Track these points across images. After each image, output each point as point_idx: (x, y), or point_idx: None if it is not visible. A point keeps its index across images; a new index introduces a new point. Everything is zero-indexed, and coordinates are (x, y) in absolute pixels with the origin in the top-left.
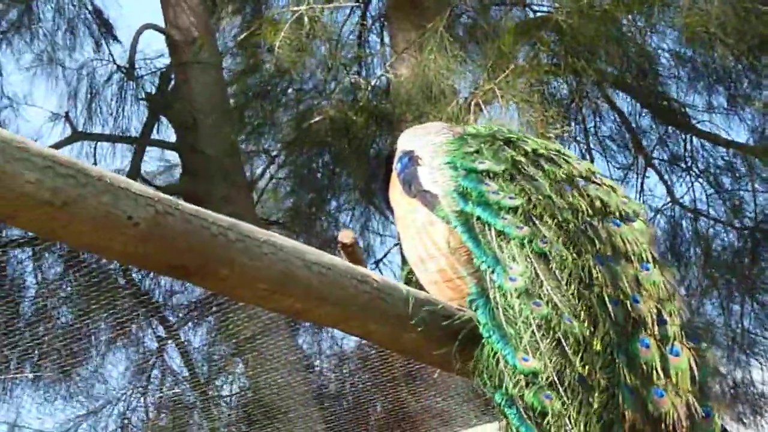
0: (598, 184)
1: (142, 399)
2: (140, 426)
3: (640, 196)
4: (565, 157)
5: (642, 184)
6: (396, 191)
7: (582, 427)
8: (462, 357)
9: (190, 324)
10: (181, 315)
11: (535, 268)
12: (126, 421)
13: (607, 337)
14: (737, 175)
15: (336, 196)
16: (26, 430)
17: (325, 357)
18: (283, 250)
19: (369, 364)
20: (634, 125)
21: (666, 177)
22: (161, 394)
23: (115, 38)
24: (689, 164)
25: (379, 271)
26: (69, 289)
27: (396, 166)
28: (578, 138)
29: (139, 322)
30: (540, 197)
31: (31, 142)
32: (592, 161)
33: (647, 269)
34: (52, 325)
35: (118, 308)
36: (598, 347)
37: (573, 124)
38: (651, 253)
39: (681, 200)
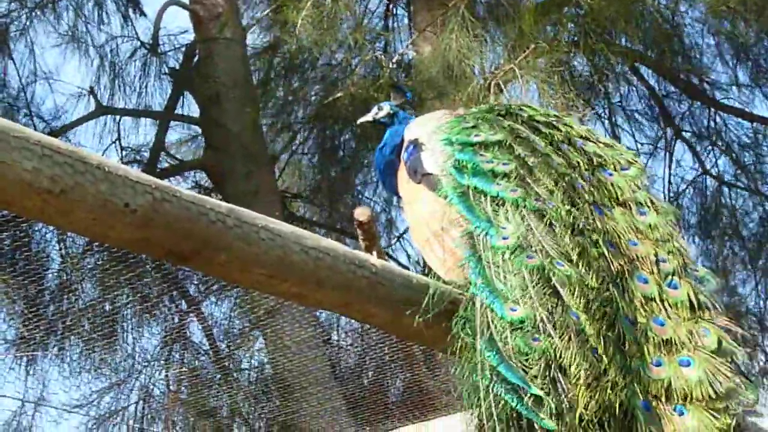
0: (595, 143)
1: (163, 372)
2: (161, 399)
3: (669, 169)
4: (564, 122)
5: (671, 156)
6: (403, 179)
7: (571, 359)
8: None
9: (212, 297)
10: (203, 288)
11: (529, 224)
12: (147, 394)
13: (602, 274)
14: (760, 150)
15: (359, 172)
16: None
17: (344, 331)
18: (281, 236)
19: (388, 337)
20: (662, 100)
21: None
22: (182, 367)
23: (143, 13)
24: (714, 139)
25: (401, 244)
26: (92, 263)
27: (403, 155)
28: (602, 115)
29: (161, 295)
30: (535, 159)
31: (29, 130)
32: (618, 139)
33: (643, 213)
34: (75, 299)
35: (140, 282)
36: (594, 284)
37: (596, 101)
38: (649, 197)
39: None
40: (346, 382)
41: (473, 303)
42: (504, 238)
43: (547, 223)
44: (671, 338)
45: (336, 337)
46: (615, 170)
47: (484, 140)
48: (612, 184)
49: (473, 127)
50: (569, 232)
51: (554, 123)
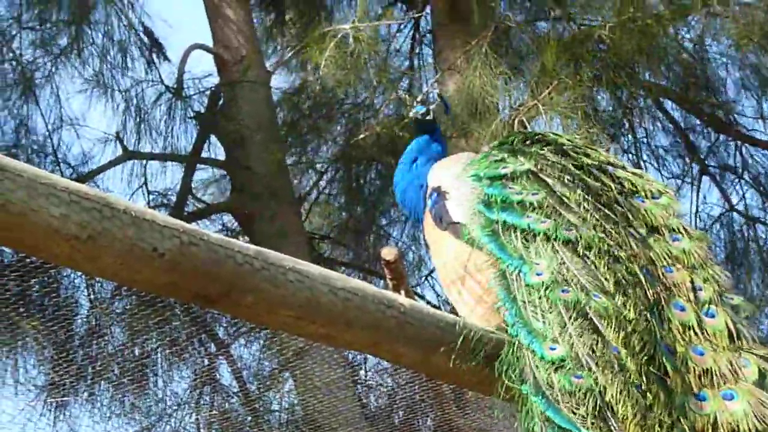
0: (624, 170)
1: (194, 415)
2: None
3: (695, 205)
4: (593, 149)
5: (698, 192)
6: (429, 225)
7: (618, 396)
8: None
9: (240, 340)
10: (232, 331)
11: (561, 258)
12: None
13: (639, 303)
14: None
15: (386, 211)
16: None
17: (374, 371)
18: (308, 277)
19: (418, 377)
20: (687, 134)
21: (722, 185)
22: (213, 410)
23: (166, 57)
24: (740, 172)
25: (429, 282)
26: (120, 307)
27: (427, 202)
28: (628, 150)
29: (190, 338)
30: (564, 185)
31: (56, 177)
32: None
33: (677, 240)
34: (105, 344)
35: (169, 326)
36: (632, 315)
37: (621, 137)
38: (681, 224)
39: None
40: (377, 422)
41: (514, 346)
42: (538, 275)
43: (581, 253)
44: (711, 368)
45: (365, 377)
46: (647, 198)
47: (513, 171)
48: (645, 210)
49: (500, 160)
50: (604, 260)
51: (582, 149)
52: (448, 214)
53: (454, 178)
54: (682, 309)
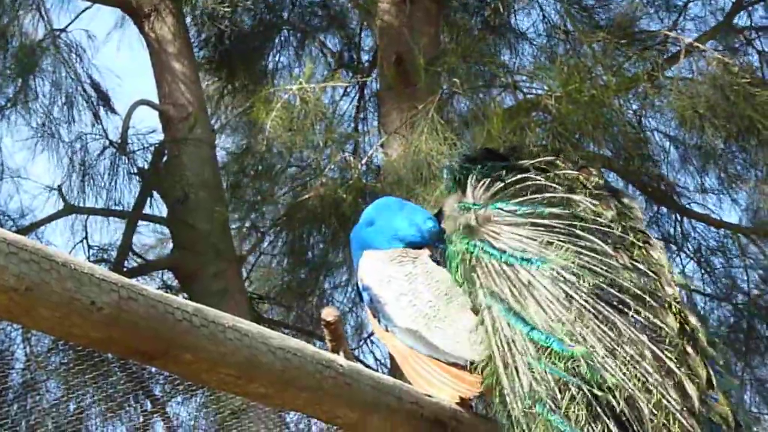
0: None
1: None
2: None
3: None
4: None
5: None
6: (369, 317)
7: None
8: None
9: (178, 397)
10: (168, 389)
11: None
12: None
13: None
14: (728, 255)
15: (329, 274)
16: None
17: None
18: (248, 336)
19: None
20: None
21: None
22: None
23: (113, 110)
24: (681, 245)
25: (368, 346)
26: (57, 362)
27: (363, 294)
28: None
29: (127, 395)
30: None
31: None
32: None
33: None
34: (40, 398)
35: (105, 382)
36: None
37: None
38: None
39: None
40: None
41: None
42: None
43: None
44: None
45: None
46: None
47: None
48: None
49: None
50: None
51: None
52: (389, 319)
53: (381, 282)
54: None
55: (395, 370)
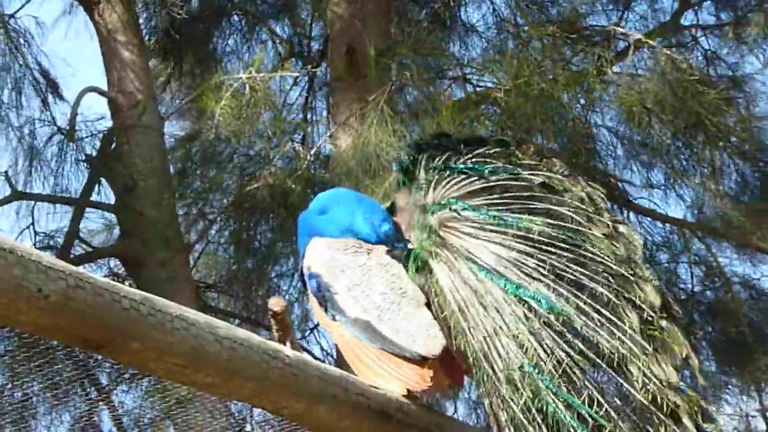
0: None
1: None
2: None
3: None
4: None
5: None
6: (316, 308)
7: None
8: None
9: (123, 386)
10: (114, 377)
11: None
12: None
13: None
14: (674, 250)
15: (276, 263)
16: None
17: (256, 422)
18: (195, 325)
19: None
20: None
21: None
22: None
23: (62, 97)
24: None
25: (315, 337)
26: (1, 349)
27: (308, 282)
28: None
29: (72, 383)
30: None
31: None
32: None
33: None
34: None
35: (51, 369)
36: None
37: None
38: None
39: None
40: None
41: None
42: None
43: None
44: None
45: (249, 428)
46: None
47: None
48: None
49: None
50: None
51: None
52: (339, 308)
53: (332, 270)
54: None
55: (341, 362)
